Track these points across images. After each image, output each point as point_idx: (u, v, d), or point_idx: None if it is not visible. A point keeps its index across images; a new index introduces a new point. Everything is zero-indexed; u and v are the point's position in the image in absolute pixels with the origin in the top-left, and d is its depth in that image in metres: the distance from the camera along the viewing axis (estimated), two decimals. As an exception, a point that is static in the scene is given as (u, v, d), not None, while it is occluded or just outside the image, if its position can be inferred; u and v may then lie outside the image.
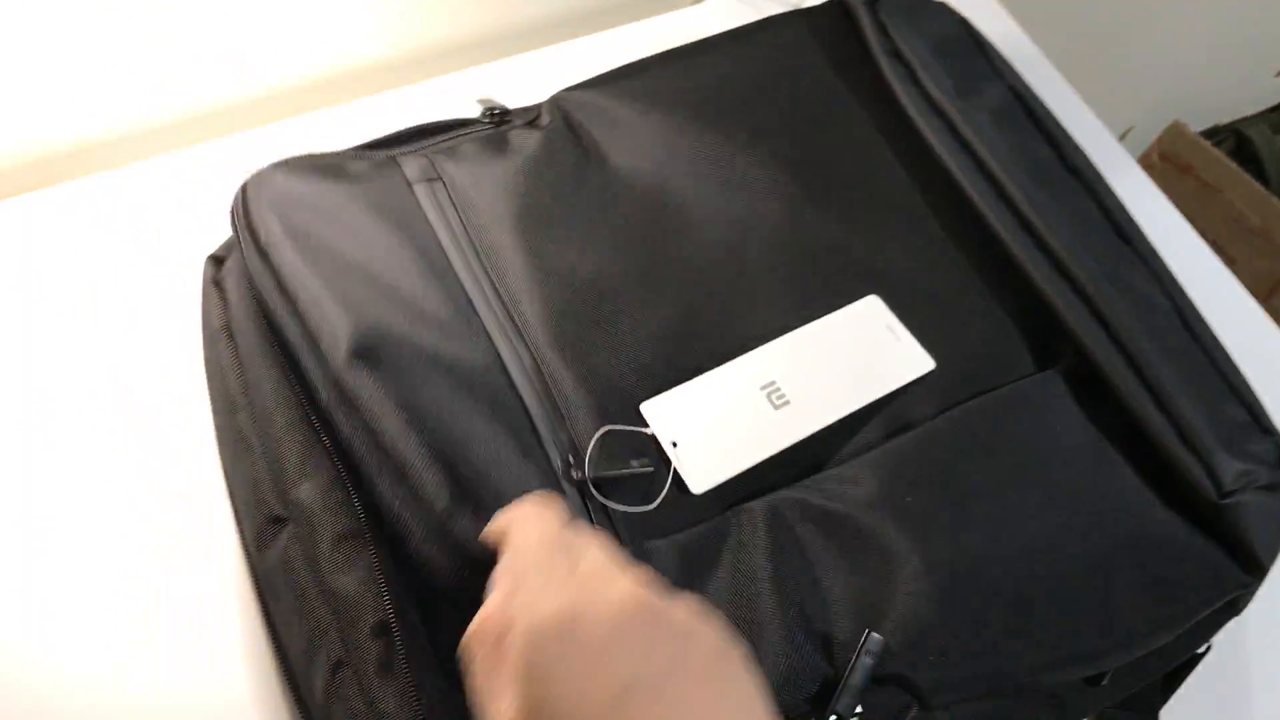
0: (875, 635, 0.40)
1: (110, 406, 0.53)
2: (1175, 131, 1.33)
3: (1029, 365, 0.50)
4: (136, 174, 0.62)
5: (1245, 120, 1.41)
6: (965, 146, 0.54)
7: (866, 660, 0.39)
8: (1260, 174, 1.36)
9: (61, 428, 0.53)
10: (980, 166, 0.53)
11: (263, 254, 0.45)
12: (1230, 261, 1.30)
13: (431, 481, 0.39)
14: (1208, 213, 1.32)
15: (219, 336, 0.51)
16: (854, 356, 0.48)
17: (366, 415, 0.40)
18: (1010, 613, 0.43)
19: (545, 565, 0.33)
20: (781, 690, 0.39)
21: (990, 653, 0.42)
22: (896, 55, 0.57)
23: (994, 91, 0.57)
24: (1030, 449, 0.47)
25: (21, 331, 0.56)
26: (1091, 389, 0.49)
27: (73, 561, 0.49)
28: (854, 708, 0.39)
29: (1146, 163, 1.37)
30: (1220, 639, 0.50)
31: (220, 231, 0.54)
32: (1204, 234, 1.32)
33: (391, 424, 0.40)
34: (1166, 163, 1.34)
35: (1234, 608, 0.48)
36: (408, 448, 0.39)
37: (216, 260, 0.54)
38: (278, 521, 0.46)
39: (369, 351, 0.42)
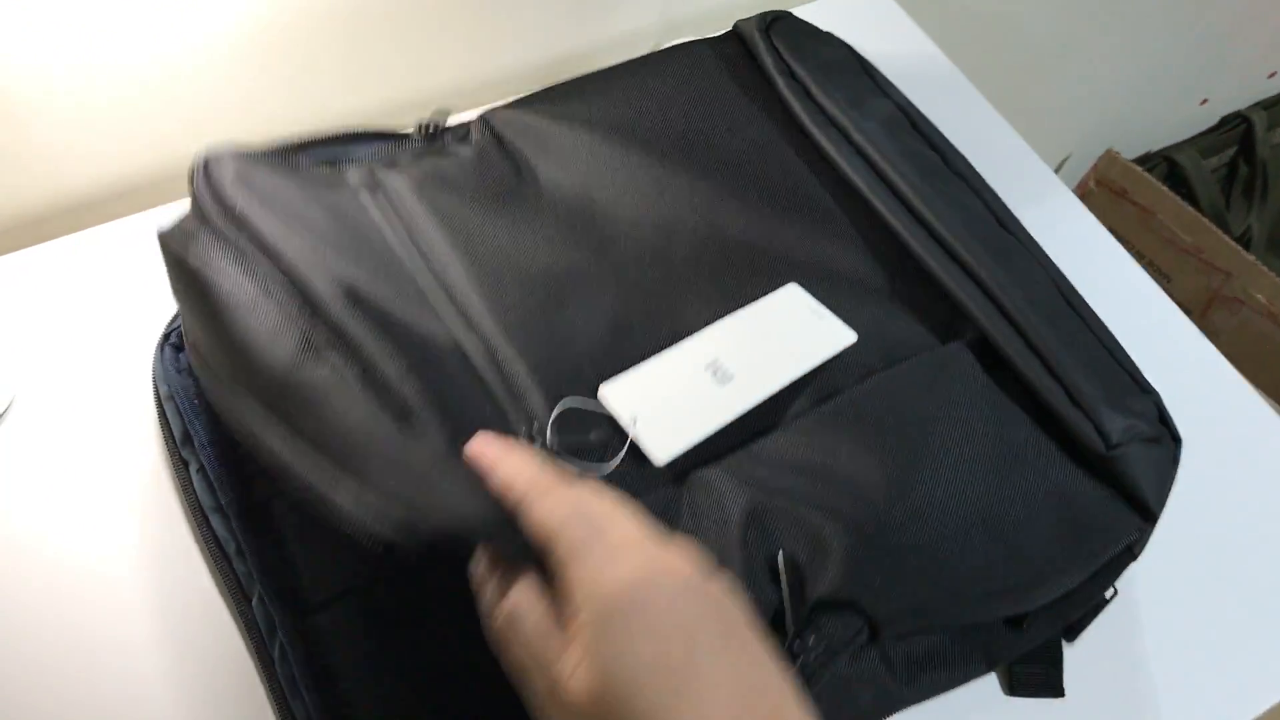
0: (784, 554, 0.45)
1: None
2: (1109, 159, 1.41)
3: (935, 341, 0.55)
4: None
5: (1175, 147, 1.49)
6: (858, 151, 0.60)
7: (790, 575, 0.44)
8: (1190, 196, 1.44)
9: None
10: (873, 167, 0.59)
11: (239, 221, 0.46)
12: (1167, 279, 1.40)
13: (433, 422, 0.42)
14: (1144, 234, 1.40)
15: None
16: (784, 335, 0.54)
17: (366, 356, 0.42)
18: (933, 551, 0.47)
19: (586, 540, 0.33)
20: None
21: (921, 588, 0.45)
22: (790, 75, 0.63)
23: (881, 105, 0.63)
24: (943, 408, 0.51)
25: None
26: (989, 359, 0.54)
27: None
28: (802, 615, 0.43)
29: (1084, 188, 1.44)
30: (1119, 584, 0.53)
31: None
32: (1142, 253, 1.42)
33: (391, 368, 0.42)
34: (1103, 188, 1.42)
35: (1132, 552, 0.51)
36: (408, 389, 0.42)
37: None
38: None
39: (361, 302, 0.44)
